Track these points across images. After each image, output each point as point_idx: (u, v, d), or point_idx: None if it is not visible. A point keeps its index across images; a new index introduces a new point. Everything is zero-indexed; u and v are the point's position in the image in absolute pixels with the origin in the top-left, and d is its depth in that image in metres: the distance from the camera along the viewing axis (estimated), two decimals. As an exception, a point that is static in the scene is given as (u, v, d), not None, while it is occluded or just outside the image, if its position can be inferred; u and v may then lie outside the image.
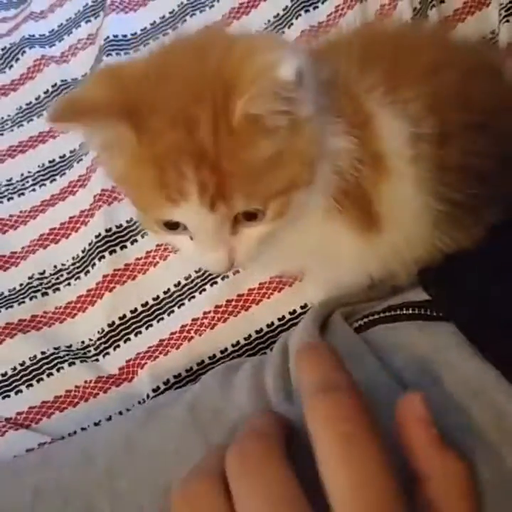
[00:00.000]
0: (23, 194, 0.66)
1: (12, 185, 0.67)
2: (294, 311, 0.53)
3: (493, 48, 0.56)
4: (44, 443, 0.50)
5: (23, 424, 0.52)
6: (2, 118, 0.72)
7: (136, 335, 0.55)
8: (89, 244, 0.59)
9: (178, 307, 0.56)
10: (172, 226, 0.37)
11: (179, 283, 0.57)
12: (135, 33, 0.73)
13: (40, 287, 0.59)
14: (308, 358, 0.29)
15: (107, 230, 0.59)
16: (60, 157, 0.67)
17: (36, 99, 0.72)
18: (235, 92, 0.32)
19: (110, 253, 0.58)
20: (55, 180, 0.66)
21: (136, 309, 0.56)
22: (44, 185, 0.66)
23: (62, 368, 0.54)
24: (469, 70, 0.42)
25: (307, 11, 0.67)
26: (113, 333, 0.55)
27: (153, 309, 0.56)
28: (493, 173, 0.40)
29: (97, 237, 0.59)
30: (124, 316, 0.56)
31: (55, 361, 0.55)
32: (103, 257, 0.58)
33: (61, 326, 0.57)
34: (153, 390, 0.52)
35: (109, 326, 0.55)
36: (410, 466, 0.28)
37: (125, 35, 0.73)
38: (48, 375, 0.54)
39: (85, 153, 0.65)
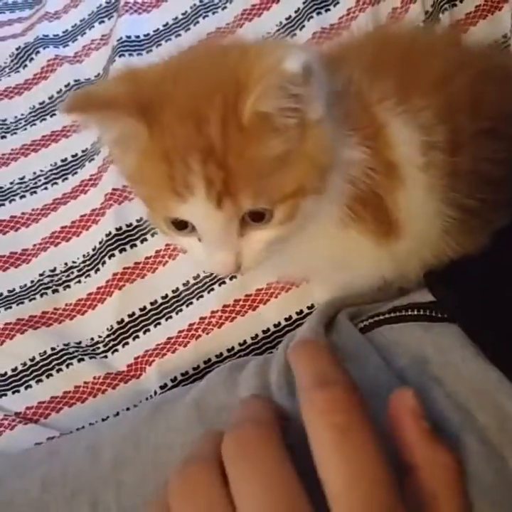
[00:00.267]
0: (35, 192, 0.67)
1: (25, 184, 0.67)
2: (301, 312, 0.53)
3: (505, 52, 0.56)
4: (52, 437, 0.51)
5: (32, 418, 0.53)
6: (16, 117, 0.73)
7: (144, 332, 0.56)
8: (100, 242, 0.60)
9: (187, 306, 0.56)
10: (180, 226, 0.37)
11: (188, 282, 0.57)
12: (148, 34, 0.74)
13: (50, 284, 0.60)
14: (304, 352, 0.30)
15: (117, 229, 0.60)
16: (73, 156, 0.68)
17: (49, 98, 0.73)
18: (245, 90, 0.32)
19: (120, 251, 0.59)
20: (67, 179, 0.67)
21: (145, 307, 0.57)
22: (56, 183, 0.67)
23: (72, 364, 0.55)
24: (480, 75, 0.42)
25: (319, 13, 0.67)
26: (122, 331, 0.56)
27: (161, 308, 0.57)
28: (503, 179, 0.40)
29: (107, 235, 0.60)
30: (133, 313, 0.56)
31: (65, 357, 0.55)
32: (113, 255, 0.59)
33: (71, 323, 0.58)
34: (161, 387, 0.53)
35: (118, 323, 0.56)
36: (401, 457, 0.28)
37: (138, 36, 0.73)
38: (58, 371, 0.55)
39: (97, 153, 0.66)
